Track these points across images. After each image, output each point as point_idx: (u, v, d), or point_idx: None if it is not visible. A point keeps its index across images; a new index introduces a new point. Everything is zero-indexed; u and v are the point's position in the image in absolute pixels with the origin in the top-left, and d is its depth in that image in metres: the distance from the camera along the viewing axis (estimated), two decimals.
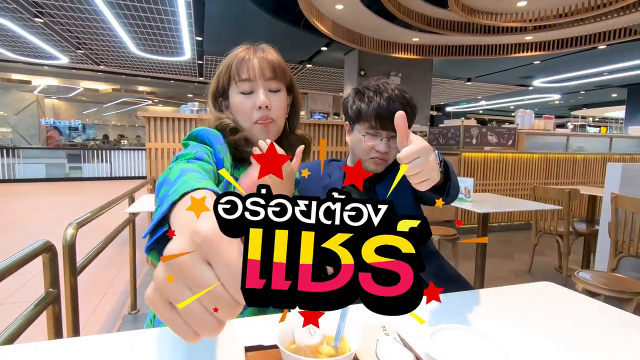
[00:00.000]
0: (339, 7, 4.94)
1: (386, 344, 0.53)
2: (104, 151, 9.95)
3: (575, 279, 1.81)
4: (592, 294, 1.66)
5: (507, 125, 5.01)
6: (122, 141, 12.95)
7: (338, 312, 0.55)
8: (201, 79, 10.30)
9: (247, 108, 0.82)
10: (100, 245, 1.55)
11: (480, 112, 17.73)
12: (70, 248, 1.17)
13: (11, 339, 0.83)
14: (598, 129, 16.85)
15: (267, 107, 0.81)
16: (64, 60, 8.68)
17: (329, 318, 0.56)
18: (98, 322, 2.21)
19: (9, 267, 0.83)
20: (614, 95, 12.25)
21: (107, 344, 0.57)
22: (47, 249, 0.99)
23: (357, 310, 0.70)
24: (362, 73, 6.68)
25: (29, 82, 11.28)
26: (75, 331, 1.20)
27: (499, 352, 0.52)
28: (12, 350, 0.55)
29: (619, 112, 13.60)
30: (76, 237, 1.19)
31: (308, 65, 8.83)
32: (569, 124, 14.23)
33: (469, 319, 0.68)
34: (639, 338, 0.62)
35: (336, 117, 11.56)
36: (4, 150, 8.85)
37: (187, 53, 7.82)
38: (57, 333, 1.04)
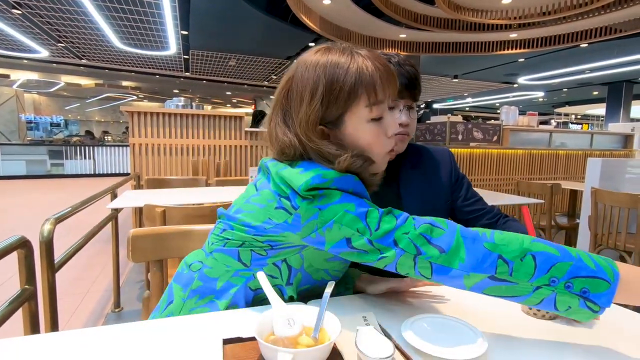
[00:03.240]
0: (326, 2, 4.92)
1: (366, 333, 0.53)
2: (87, 147, 9.72)
3: None
4: None
5: (492, 121, 5.09)
6: (106, 137, 12.68)
7: (317, 303, 0.55)
8: (187, 74, 10.15)
9: (377, 137, 0.67)
10: (80, 241, 1.51)
11: (467, 109, 17.95)
12: (48, 244, 1.14)
13: None
14: (580, 126, 17.26)
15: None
16: (44, 53, 8.42)
17: (309, 310, 0.56)
18: (80, 321, 2.16)
19: None
20: (595, 93, 12.55)
21: (84, 339, 0.55)
22: (22, 245, 0.96)
23: (338, 302, 0.69)
24: None
25: (7, 76, 10.93)
26: (54, 329, 1.17)
27: (474, 337, 0.53)
28: None
29: (600, 109, 13.95)
30: (54, 233, 1.16)
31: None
32: (552, 121, 14.54)
33: (449, 308, 0.69)
34: (615, 324, 0.64)
35: None
36: None
37: (173, 47, 7.68)
38: (33, 331, 1.01)
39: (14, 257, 0.97)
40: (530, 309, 0.66)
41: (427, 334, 0.55)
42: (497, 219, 0.97)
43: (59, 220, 1.22)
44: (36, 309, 1.02)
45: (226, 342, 0.53)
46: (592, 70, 9.26)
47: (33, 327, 1.01)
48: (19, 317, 0.98)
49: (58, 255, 1.24)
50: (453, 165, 1.00)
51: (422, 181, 0.95)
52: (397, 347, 0.52)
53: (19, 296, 0.96)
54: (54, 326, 1.17)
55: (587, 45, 6.22)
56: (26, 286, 0.99)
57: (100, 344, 0.54)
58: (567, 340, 0.58)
